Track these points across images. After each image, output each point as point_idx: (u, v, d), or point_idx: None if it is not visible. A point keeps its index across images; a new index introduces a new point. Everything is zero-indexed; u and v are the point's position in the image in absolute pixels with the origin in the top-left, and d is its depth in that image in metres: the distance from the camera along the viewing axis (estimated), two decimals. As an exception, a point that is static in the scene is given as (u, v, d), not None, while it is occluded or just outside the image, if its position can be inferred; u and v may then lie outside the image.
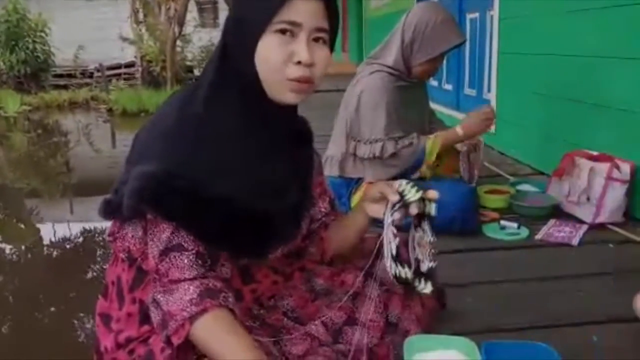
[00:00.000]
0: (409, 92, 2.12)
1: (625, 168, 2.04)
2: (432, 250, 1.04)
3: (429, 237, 1.05)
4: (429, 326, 1.24)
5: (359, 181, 2.13)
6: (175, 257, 0.89)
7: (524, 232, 2.02)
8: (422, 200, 1.05)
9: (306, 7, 0.91)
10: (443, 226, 1.79)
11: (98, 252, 3.90)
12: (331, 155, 2.18)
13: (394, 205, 1.05)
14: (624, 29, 2.14)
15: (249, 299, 1.07)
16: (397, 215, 1.03)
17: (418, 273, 1.06)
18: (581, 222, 2.08)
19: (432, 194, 1.04)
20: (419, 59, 2.04)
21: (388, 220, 1.04)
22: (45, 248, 4.14)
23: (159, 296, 0.88)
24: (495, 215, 2.18)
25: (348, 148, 2.09)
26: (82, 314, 2.96)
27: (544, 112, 2.82)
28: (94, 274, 3.55)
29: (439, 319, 1.34)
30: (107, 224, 1.04)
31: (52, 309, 3.10)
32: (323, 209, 1.21)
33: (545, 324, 1.41)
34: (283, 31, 0.90)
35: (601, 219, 2.05)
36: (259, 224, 0.96)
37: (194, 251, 0.90)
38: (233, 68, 0.95)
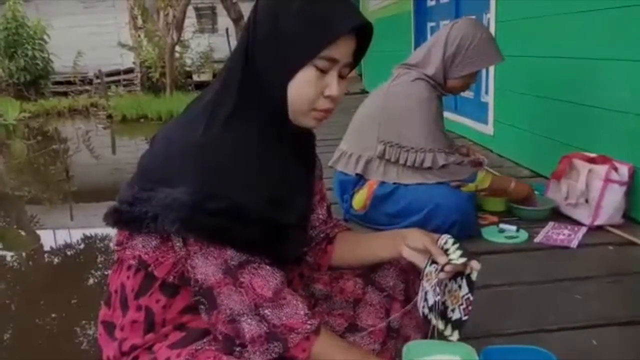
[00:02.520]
0: (441, 104, 2.15)
1: (624, 170, 2.05)
2: (469, 307, 1.04)
3: (465, 293, 1.04)
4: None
5: (364, 180, 2.13)
6: (254, 267, 0.91)
7: (523, 235, 2.02)
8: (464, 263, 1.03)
9: (347, 45, 0.94)
10: (442, 230, 1.81)
11: (99, 259, 3.90)
12: (350, 152, 2.17)
13: (437, 263, 1.03)
14: (621, 31, 2.15)
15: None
16: (442, 276, 1.02)
17: (444, 317, 1.06)
18: (580, 224, 2.09)
19: (476, 264, 1.02)
20: (458, 72, 2.07)
21: (433, 280, 1.02)
22: (45, 255, 4.14)
23: (266, 311, 0.89)
24: (494, 218, 2.18)
25: (380, 151, 2.08)
26: (83, 321, 2.96)
27: (542, 114, 2.83)
28: (95, 280, 3.55)
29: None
30: (108, 231, 1.04)
31: (53, 315, 3.10)
32: (321, 216, 1.22)
33: (544, 328, 1.41)
34: (321, 66, 0.92)
35: (600, 221, 2.05)
36: (279, 233, 0.96)
37: (272, 269, 0.93)
38: (260, 89, 0.94)
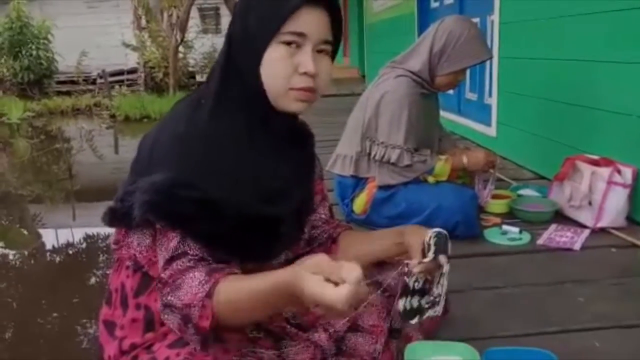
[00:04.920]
0: (427, 102, 2.13)
1: (627, 172, 2.04)
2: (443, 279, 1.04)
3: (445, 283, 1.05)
4: (432, 332, 1.24)
5: (364, 183, 2.13)
6: (178, 263, 0.89)
7: (526, 237, 2.02)
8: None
9: (312, 18, 0.92)
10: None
11: (101, 258, 3.91)
12: (343, 154, 2.18)
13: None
14: (625, 33, 2.14)
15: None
16: (417, 268, 1.02)
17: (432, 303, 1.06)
18: (583, 226, 2.08)
19: (442, 260, 1.03)
20: (445, 69, 2.05)
21: (411, 274, 1.03)
22: (48, 254, 4.15)
23: (169, 298, 0.87)
24: (497, 220, 2.18)
25: (364, 148, 2.10)
26: (85, 320, 2.96)
27: (545, 116, 2.82)
28: (97, 279, 3.56)
29: (440, 324, 1.34)
30: (109, 230, 1.05)
31: (55, 314, 3.10)
32: (323, 215, 1.22)
33: (547, 330, 1.41)
34: (289, 42, 0.91)
35: (603, 223, 2.04)
36: (266, 228, 0.96)
37: (197, 257, 0.90)
38: (237, 77, 0.95)
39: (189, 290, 0.85)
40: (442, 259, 1.03)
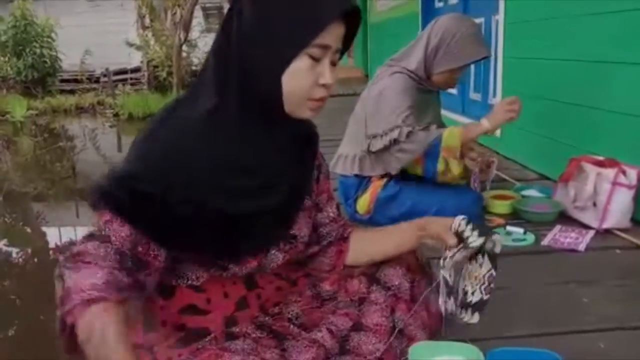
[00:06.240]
0: (426, 97, 2.12)
1: (632, 173, 2.03)
2: (491, 285, 1.02)
3: (486, 271, 1.02)
4: (435, 332, 1.24)
5: (367, 183, 2.13)
6: (95, 245, 0.87)
7: (530, 237, 2.01)
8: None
9: (335, 31, 0.92)
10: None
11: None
12: (346, 153, 2.17)
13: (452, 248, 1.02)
14: (631, 33, 2.13)
15: (255, 306, 1.07)
16: (458, 257, 1.00)
17: (464, 304, 1.04)
18: (588, 227, 2.07)
19: (497, 238, 1.01)
20: (441, 67, 2.04)
21: (448, 263, 1.00)
22: (50, 252, 4.15)
23: (64, 270, 0.86)
24: (501, 220, 2.17)
25: (367, 146, 2.08)
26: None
27: (550, 116, 2.81)
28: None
29: (443, 325, 1.33)
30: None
31: (58, 312, 3.11)
32: (331, 214, 1.21)
33: (552, 331, 1.40)
34: (314, 54, 0.91)
35: (608, 224, 2.04)
36: (232, 227, 0.94)
37: (116, 247, 0.87)
38: (249, 81, 0.93)
39: (82, 280, 0.83)
40: (497, 238, 0.99)
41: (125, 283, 0.86)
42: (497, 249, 1.01)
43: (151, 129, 0.94)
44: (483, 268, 1.02)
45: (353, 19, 0.96)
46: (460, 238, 1.01)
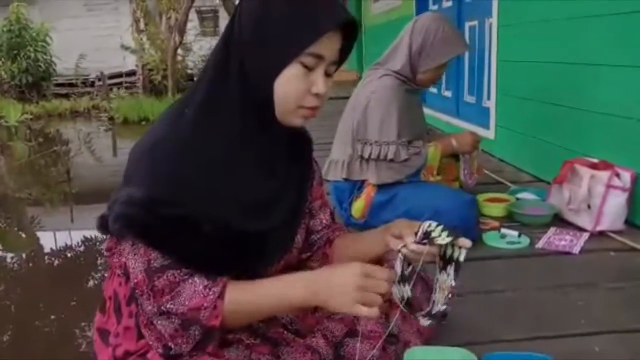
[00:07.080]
0: (412, 98, 2.18)
1: (626, 176, 2.04)
2: (450, 295, 1.02)
3: (450, 281, 1.02)
4: (430, 337, 1.24)
5: (361, 187, 2.13)
6: (173, 273, 0.89)
7: (525, 240, 2.01)
8: (452, 245, 1.02)
9: (331, 42, 0.93)
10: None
11: (99, 261, 3.90)
12: (336, 159, 2.19)
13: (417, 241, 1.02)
14: (624, 36, 2.14)
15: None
16: (414, 247, 1.00)
17: (429, 314, 1.04)
18: (582, 230, 2.08)
19: (464, 242, 1.01)
20: (426, 65, 2.10)
21: (403, 251, 1.01)
22: (45, 256, 4.13)
23: (169, 306, 0.88)
24: (495, 223, 2.17)
25: (355, 150, 2.11)
26: (83, 323, 2.95)
27: (544, 119, 2.82)
28: (95, 282, 3.54)
29: (439, 329, 1.33)
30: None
31: (53, 317, 3.09)
32: (324, 221, 1.21)
33: (546, 334, 1.40)
34: (307, 63, 0.91)
35: (602, 227, 2.04)
36: (250, 245, 0.96)
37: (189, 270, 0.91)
38: (244, 88, 0.94)
39: (192, 295, 0.88)
40: (464, 241, 1.00)
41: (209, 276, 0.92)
42: (462, 257, 1.00)
43: (157, 143, 0.92)
44: (449, 279, 1.02)
45: (350, 32, 0.96)
46: (428, 237, 1.01)
